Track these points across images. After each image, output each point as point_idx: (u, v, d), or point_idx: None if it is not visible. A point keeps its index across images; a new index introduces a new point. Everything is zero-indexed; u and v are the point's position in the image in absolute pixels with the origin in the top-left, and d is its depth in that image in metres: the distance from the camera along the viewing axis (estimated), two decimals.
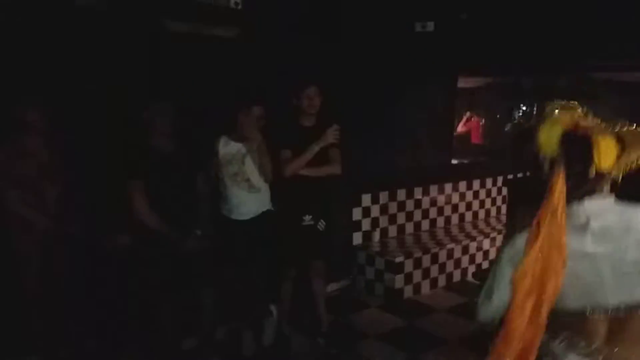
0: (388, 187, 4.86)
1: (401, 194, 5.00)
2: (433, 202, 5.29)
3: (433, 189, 5.24)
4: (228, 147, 3.19)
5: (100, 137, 2.95)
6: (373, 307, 4.26)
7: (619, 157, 1.29)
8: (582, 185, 1.31)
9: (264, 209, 3.27)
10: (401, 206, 5.02)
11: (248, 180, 3.20)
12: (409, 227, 5.13)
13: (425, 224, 5.26)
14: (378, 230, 4.85)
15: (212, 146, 3.17)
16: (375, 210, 4.82)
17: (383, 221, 4.89)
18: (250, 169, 3.19)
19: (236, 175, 3.18)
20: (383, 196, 4.86)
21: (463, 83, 6.17)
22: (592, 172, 1.28)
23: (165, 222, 2.84)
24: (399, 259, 4.36)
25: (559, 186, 1.27)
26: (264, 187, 3.28)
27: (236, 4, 3.30)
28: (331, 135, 3.17)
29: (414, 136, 4.97)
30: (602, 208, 1.31)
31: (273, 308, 3.52)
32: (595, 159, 1.27)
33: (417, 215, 5.17)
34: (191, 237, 2.95)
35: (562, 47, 4.31)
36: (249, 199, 3.22)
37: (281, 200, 3.35)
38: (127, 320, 3.11)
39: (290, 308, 3.52)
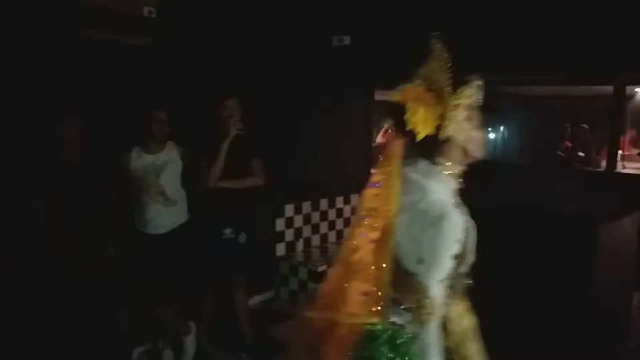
0: (311, 197, 4.92)
1: (324, 204, 5.07)
2: (354, 211, 5.41)
3: (354, 198, 5.37)
4: (140, 160, 3.08)
5: (6, 150, 2.76)
6: (297, 317, 4.26)
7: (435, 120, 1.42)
8: (413, 149, 1.45)
9: (181, 222, 3.19)
10: (324, 215, 5.09)
11: (163, 193, 3.10)
12: (332, 236, 5.20)
13: (347, 233, 5.35)
14: (301, 240, 4.88)
15: (123, 159, 3.05)
16: (298, 221, 4.85)
17: (306, 231, 4.93)
18: (166, 181, 3.10)
19: (150, 188, 3.08)
20: (306, 206, 4.90)
21: (380, 96, 6.39)
22: (419, 137, 1.40)
23: (76, 240, 2.70)
24: (321, 268, 4.40)
25: (394, 150, 1.44)
26: (181, 200, 3.20)
27: (150, 12, 3.22)
28: (233, 126, 3.08)
29: (334, 147, 5.07)
30: (430, 170, 1.45)
31: (192, 325, 3.41)
32: (412, 125, 1.40)
33: (340, 224, 5.27)
34: (101, 256, 2.81)
35: (469, 61, 4.59)
36: (165, 213, 3.12)
37: (200, 213, 3.28)
38: (39, 345, 2.89)
39: (211, 324, 3.43)
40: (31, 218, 2.67)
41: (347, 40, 4.31)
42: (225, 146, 3.06)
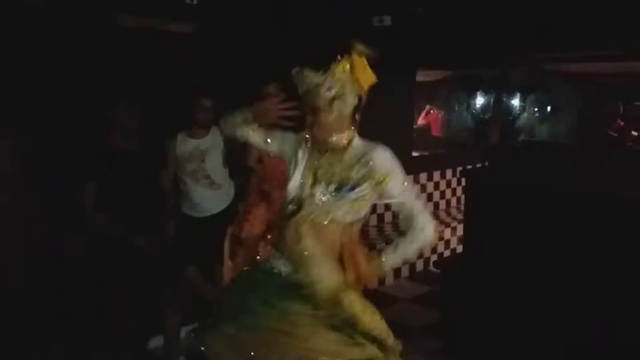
0: None
1: None
2: None
3: None
4: (186, 144, 3.15)
5: (58, 137, 2.88)
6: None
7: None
8: None
9: (226, 206, 3.25)
10: None
11: (208, 177, 3.17)
12: (372, 219, 5.19)
13: (389, 216, 5.34)
14: None
15: (169, 144, 3.13)
16: None
17: None
18: (211, 165, 3.16)
19: (195, 172, 3.15)
20: None
21: (422, 76, 6.27)
22: None
23: (125, 222, 2.79)
24: (379, 246, 4.40)
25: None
26: (226, 183, 3.26)
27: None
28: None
29: (375, 129, 5.00)
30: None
31: None
32: None
33: (380, 208, 5.24)
34: (142, 236, 2.92)
35: (515, 40, 4.44)
36: (210, 196, 3.19)
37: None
38: (90, 322, 3.04)
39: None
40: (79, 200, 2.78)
41: (387, 20, 4.21)
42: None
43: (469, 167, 6.00)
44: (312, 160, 1.84)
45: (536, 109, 8.30)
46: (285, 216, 1.80)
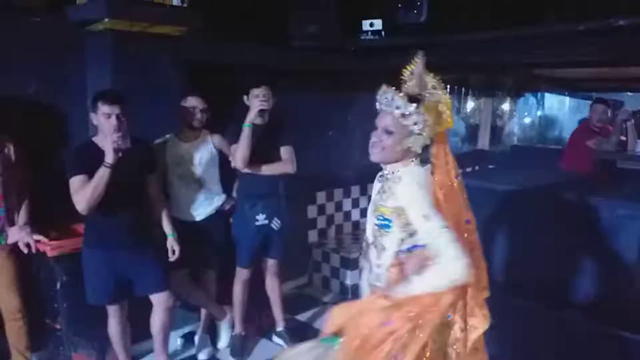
0: (343, 185, 4.91)
1: (355, 191, 5.06)
2: None
3: None
4: (176, 148, 3.13)
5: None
6: (330, 304, 4.29)
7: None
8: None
9: (216, 209, 3.24)
10: (355, 202, 5.08)
11: (198, 180, 3.15)
12: (364, 223, 5.17)
13: None
14: (333, 227, 4.89)
15: (159, 147, 3.10)
16: (330, 208, 4.85)
17: (338, 218, 4.93)
18: (201, 168, 3.14)
19: (185, 176, 3.13)
20: (337, 193, 4.90)
21: None
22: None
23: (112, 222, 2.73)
24: (354, 255, 4.40)
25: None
26: (216, 187, 3.24)
27: (182, 1, 3.23)
28: (256, 103, 3.02)
29: (365, 134, 5.01)
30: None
31: (228, 310, 3.48)
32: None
33: None
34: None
35: (503, 44, 4.46)
36: (200, 200, 3.17)
37: (234, 200, 3.32)
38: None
39: (245, 309, 3.48)
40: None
41: (378, 24, 4.22)
42: (247, 129, 3.00)
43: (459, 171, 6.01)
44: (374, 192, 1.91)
45: (526, 114, 8.38)
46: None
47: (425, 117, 1.69)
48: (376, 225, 1.81)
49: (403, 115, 1.70)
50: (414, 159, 1.79)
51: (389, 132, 1.74)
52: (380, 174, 1.91)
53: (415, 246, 1.74)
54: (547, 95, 8.52)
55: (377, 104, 1.78)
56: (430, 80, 1.75)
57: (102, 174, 2.51)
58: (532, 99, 8.25)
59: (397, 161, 1.79)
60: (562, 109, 9.18)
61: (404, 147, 1.74)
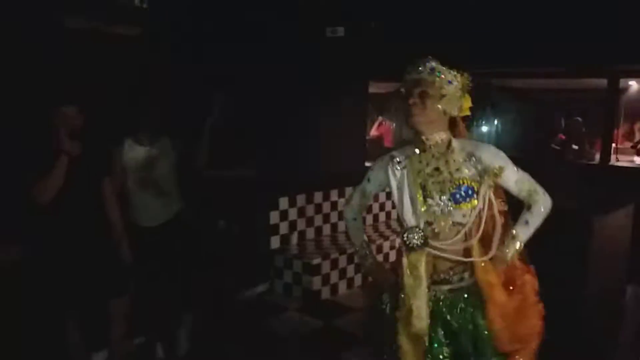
0: (305, 190, 4.90)
1: (318, 197, 5.05)
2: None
3: (348, 191, 5.35)
4: (133, 151, 3.05)
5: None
6: (291, 309, 4.26)
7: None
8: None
9: (175, 214, 3.17)
10: (318, 208, 5.08)
11: (156, 185, 3.08)
12: (326, 229, 5.19)
13: (342, 226, 5.35)
14: (296, 233, 4.87)
15: (115, 151, 3.01)
16: (292, 214, 4.83)
17: (300, 224, 4.91)
18: (159, 173, 3.07)
19: (143, 180, 3.05)
20: (300, 199, 4.88)
21: (374, 88, 6.36)
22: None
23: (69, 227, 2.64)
24: (316, 261, 4.40)
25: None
26: (174, 191, 3.17)
27: (141, 2, 3.17)
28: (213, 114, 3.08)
29: (329, 140, 5.04)
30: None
31: (187, 317, 3.40)
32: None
33: (334, 217, 5.25)
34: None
35: (464, 54, 4.59)
36: (158, 205, 3.10)
37: (194, 205, 3.26)
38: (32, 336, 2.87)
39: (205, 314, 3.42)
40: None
41: (341, 31, 4.27)
42: (207, 129, 2.97)
43: None
44: (414, 174, 1.85)
45: (483, 123, 8.60)
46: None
47: (459, 82, 1.84)
48: (455, 199, 1.80)
49: (439, 76, 1.80)
50: (451, 131, 1.89)
51: (426, 94, 1.79)
52: (396, 159, 1.90)
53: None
54: None
55: (416, 73, 1.83)
56: (450, 72, 1.85)
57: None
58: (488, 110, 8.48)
59: (439, 130, 1.84)
60: None
61: (440, 111, 1.81)
